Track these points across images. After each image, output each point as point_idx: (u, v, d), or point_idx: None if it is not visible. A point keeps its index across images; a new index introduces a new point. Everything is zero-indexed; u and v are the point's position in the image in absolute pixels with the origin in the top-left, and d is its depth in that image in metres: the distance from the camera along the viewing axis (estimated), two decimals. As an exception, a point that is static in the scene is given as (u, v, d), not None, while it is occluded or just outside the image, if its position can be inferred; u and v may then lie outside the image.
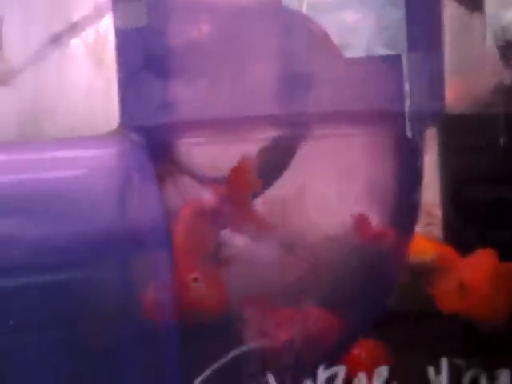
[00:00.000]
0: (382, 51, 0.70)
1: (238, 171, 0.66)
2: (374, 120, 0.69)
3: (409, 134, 0.70)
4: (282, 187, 0.69)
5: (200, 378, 0.62)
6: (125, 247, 0.63)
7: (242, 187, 0.67)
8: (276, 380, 0.62)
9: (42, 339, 0.61)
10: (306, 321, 0.66)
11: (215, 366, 0.62)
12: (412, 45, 0.68)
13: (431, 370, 0.62)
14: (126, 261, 0.64)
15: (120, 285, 0.63)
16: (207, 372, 0.62)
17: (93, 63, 0.88)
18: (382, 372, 0.61)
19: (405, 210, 0.72)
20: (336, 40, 0.71)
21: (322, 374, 0.62)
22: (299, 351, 0.65)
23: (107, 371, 0.63)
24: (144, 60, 0.67)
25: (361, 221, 0.71)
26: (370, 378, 0.63)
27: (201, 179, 0.67)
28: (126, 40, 0.68)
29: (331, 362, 0.65)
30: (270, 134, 0.70)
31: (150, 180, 0.63)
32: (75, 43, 0.89)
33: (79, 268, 0.63)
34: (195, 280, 0.64)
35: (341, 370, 0.61)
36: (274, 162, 0.71)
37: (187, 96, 0.67)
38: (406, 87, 0.68)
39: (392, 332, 0.70)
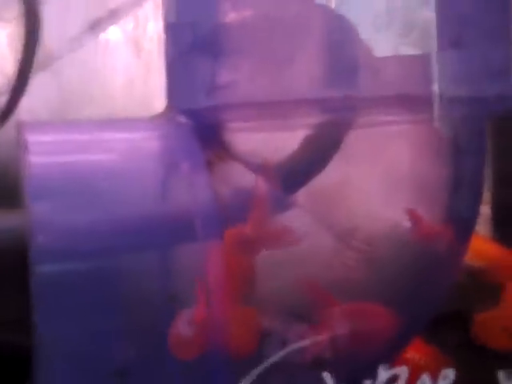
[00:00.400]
0: (410, 51, 0.66)
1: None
2: (427, 107, 0.65)
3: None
4: (325, 178, 0.66)
5: (253, 376, 0.58)
6: (169, 235, 0.60)
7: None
8: (332, 378, 0.58)
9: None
10: (361, 316, 0.63)
11: (270, 361, 0.58)
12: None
13: (501, 375, 0.58)
14: (169, 251, 0.60)
15: (159, 279, 0.60)
16: (261, 368, 0.58)
17: (131, 50, 0.86)
18: (448, 374, 0.57)
19: (460, 209, 0.68)
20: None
21: (383, 374, 0.58)
22: (353, 348, 0.62)
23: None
24: (192, 41, 0.64)
25: (413, 217, 0.67)
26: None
27: (250, 166, 0.64)
28: (174, 21, 0.64)
29: (385, 361, 0.61)
30: (318, 119, 0.66)
31: (198, 164, 0.60)
32: (114, 30, 0.86)
33: (117, 256, 0.59)
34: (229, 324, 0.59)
35: (403, 372, 0.57)
36: (320, 152, 0.67)
37: (235, 79, 0.63)
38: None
39: (448, 334, 0.66)
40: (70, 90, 0.84)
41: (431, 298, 0.67)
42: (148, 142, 0.62)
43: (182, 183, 0.60)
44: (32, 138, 0.59)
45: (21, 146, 0.60)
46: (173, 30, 0.65)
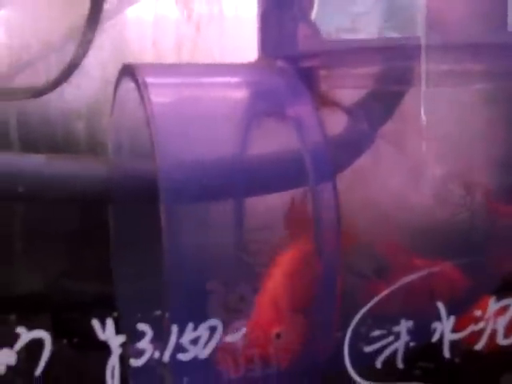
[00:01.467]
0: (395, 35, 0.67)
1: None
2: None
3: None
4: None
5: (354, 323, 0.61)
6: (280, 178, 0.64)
7: None
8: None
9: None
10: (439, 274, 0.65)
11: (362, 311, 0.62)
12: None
13: None
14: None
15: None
16: (358, 316, 0.62)
17: (182, 12, 0.89)
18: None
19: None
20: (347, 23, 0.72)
21: (493, 305, 0.62)
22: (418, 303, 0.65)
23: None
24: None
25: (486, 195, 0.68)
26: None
27: (345, 110, 0.69)
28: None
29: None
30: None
31: (307, 107, 0.64)
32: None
33: (236, 194, 0.63)
34: (278, 336, 0.62)
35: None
36: (379, 109, 0.72)
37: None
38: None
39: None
40: (117, 50, 0.87)
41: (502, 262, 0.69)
42: (257, 85, 0.66)
43: (291, 126, 0.64)
44: (150, 80, 0.62)
45: (137, 87, 0.63)
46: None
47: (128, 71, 0.65)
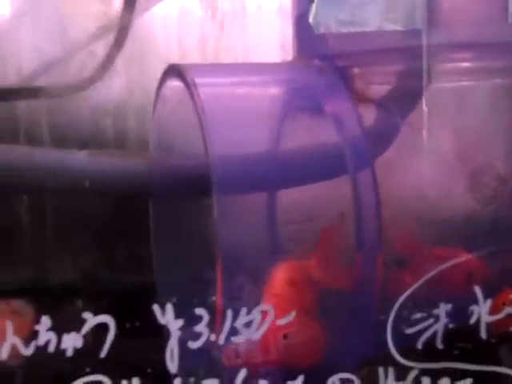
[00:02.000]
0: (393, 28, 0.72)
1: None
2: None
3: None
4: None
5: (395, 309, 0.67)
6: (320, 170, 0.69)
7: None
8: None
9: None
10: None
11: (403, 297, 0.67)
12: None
13: None
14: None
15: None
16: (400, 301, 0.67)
17: (205, 10, 0.94)
18: None
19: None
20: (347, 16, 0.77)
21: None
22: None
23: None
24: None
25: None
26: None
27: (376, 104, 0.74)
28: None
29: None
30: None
31: (346, 103, 0.70)
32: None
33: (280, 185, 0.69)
34: (285, 337, 0.66)
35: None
36: (400, 106, 0.77)
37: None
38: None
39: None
40: (141, 51, 0.92)
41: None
42: (298, 83, 0.72)
43: (331, 120, 0.70)
44: (198, 79, 0.68)
45: (186, 86, 0.68)
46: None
47: (175, 71, 0.70)
